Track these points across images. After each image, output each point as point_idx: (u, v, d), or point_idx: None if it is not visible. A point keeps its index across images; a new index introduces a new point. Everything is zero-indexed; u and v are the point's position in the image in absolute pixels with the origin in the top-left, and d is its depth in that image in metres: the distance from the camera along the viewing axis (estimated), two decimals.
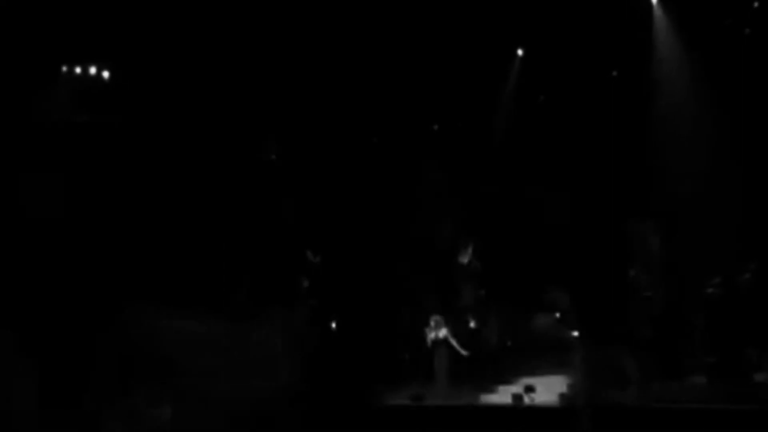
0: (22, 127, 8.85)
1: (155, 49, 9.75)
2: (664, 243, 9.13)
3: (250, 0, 9.83)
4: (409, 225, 11.58)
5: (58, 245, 7.21)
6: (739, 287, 8.27)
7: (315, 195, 10.80)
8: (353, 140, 11.66)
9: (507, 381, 9.64)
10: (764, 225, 8.91)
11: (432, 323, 9.99)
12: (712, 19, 9.54)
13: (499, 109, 11.47)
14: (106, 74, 9.91)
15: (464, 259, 10.66)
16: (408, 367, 10.72)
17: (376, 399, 9.43)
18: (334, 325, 10.92)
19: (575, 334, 9.42)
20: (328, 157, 11.34)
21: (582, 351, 8.85)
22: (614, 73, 10.45)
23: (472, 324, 10.48)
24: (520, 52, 11.09)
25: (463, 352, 9.86)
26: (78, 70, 9.70)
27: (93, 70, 9.77)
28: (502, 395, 9.27)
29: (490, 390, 9.60)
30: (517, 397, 8.89)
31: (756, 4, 9.45)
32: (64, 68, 9.74)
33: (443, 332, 9.92)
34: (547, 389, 8.79)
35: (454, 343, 9.89)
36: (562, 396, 8.50)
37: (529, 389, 8.92)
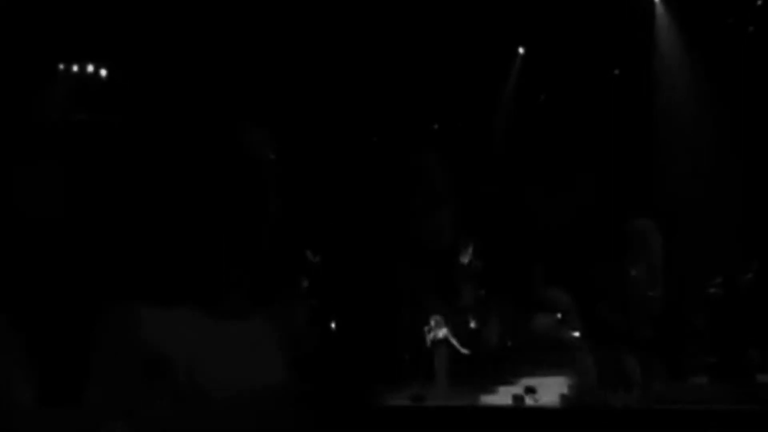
0: (19, 126, 8.80)
1: (154, 46, 9.72)
2: (666, 243, 9.09)
3: None
4: (409, 224, 11.53)
5: (53, 243, 7.17)
6: (741, 287, 8.23)
7: (314, 194, 10.75)
8: (353, 139, 11.63)
9: (507, 381, 9.58)
10: (767, 224, 8.87)
11: (432, 323, 9.95)
12: (715, 17, 9.50)
13: (500, 108, 11.44)
14: (103, 72, 9.89)
15: (464, 259, 10.61)
16: (408, 367, 10.66)
17: (375, 399, 9.38)
18: (333, 325, 10.88)
19: (576, 334, 9.38)
20: (328, 156, 11.31)
21: (583, 351, 8.81)
22: (616, 72, 10.42)
23: (472, 324, 10.43)
24: (521, 50, 11.06)
25: (464, 351, 9.82)
26: (75, 68, 9.67)
27: (90, 68, 9.74)
28: (503, 396, 9.22)
29: (491, 390, 9.54)
30: (517, 398, 8.84)
31: (759, 2, 9.40)
32: (61, 66, 9.71)
33: (443, 332, 9.87)
34: (548, 390, 8.74)
35: (454, 342, 9.85)
36: (563, 397, 8.45)
37: (530, 390, 8.87)
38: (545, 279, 10.49)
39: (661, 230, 9.05)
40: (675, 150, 9.69)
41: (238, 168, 2.10)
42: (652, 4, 10.04)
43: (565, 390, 8.53)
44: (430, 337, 9.91)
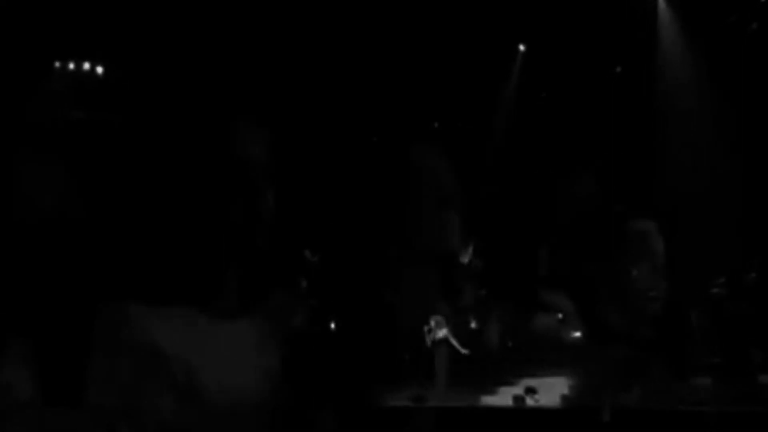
0: (14, 124, 8.74)
1: (152, 45, 9.67)
2: (667, 242, 9.06)
3: None
4: (412, 225, 11.49)
5: (50, 242, 7.11)
6: (745, 287, 8.20)
7: (313, 193, 10.71)
8: (352, 138, 11.60)
9: (508, 382, 9.53)
10: None
11: (432, 323, 9.90)
12: (718, 15, 9.45)
13: (500, 106, 11.40)
14: (100, 70, 9.84)
15: (465, 259, 10.56)
16: (408, 368, 10.61)
17: (375, 399, 9.34)
18: (333, 325, 10.84)
19: (577, 334, 9.35)
20: (327, 155, 11.27)
21: (584, 352, 8.79)
22: (618, 69, 10.38)
23: (472, 324, 10.39)
24: (522, 47, 11.01)
25: (464, 351, 9.77)
26: (71, 65, 9.62)
27: (87, 66, 9.70)
28: (503, 396, 9.17)
29: (491, 391, 9.48)
30: (518, 399, 8.80)
31: (762, 0, 9.37)
32: (57, 64, 9.66)
33: (444, 332, 9.82)
34: (549, 391, 8.70)
35: (454, 343, 9.80)
36: (563, 397, 8.42)
37: (531, 390, 8.82)
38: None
39: (663, 230, 9.03)
40: (677, 147, 9.66)
41: (233, 168, 2.06)
42: (655, 1, 9.99)
43: (565, 390, 8.51)
44: (430, 337, 9.86)
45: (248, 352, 2.04)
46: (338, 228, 11.19)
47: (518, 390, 8.98)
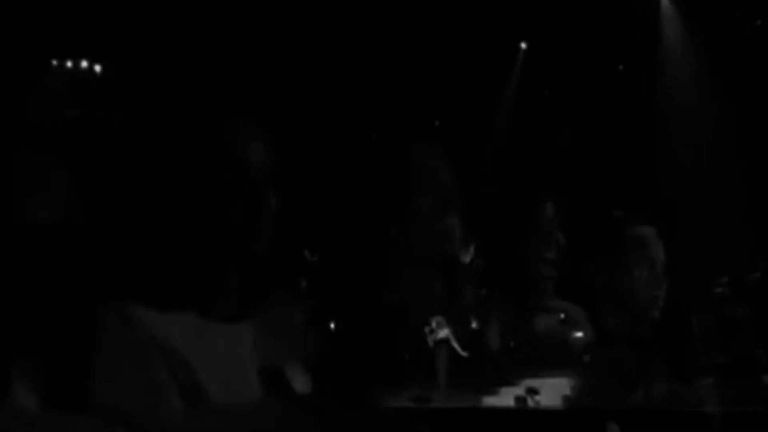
0: (15, 124, 8.70)
1: (151, 43, 9.64)
2: (668, 245, 9.03)
3: None
4: (414, 226, 11.45)
5: (49, 244, 7.07)
6: (749, 286, 8.17)
7: (312, 193, 10.68)
8: (351, 137, 11.58)
9: (509, 383, 9.49)
10: None
11: (433, 324, 9.86)
12: (722, 11, 9.42)
13: (501, 104, 11.37)
14: (98, 69, 9.81)
15: (466, 259, 10.51)
16: (408, 368, 10.57)
17: (376, 400, 9.30)
18: (333, 325, 10.81)
19: (579, 335, 9.32)
20: (326, 154, 11.25)
21: (586, 352, 8.77)
22: (620, 68, 10.36)
23: (473, 324, 10.34)
24: (523, 45, 10.98)
25: (463, 354, 9.73)
26: (69, 64, 9.59)
27: (84, 64, 9.67)
28: (504, 397, 9.13)
29: (492, 392, 9.44)
30: (519, 399, 8.76)
31: None
32: (55, 63, 9.63)
33: (444, 333, 9.78)
34: (551, 391, 8.66)
35: (455, 344, 9.76)
36: (565, 398, 8.38)
37: (532, 391, 8.77)
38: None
39: (662, 235, 8.99)
40: (680, 146, 9.64)
41: (233, 168, 2.02)
42: None
43: (567, 391, 8.46)
44: (431, 338, 9.81)
45: (248, 353, 2.03)
46: (338, 228, 11.16)
47: (520, 391, 8.94)
